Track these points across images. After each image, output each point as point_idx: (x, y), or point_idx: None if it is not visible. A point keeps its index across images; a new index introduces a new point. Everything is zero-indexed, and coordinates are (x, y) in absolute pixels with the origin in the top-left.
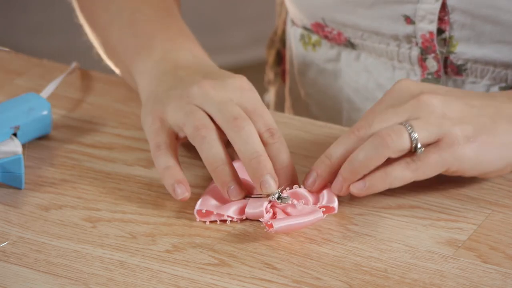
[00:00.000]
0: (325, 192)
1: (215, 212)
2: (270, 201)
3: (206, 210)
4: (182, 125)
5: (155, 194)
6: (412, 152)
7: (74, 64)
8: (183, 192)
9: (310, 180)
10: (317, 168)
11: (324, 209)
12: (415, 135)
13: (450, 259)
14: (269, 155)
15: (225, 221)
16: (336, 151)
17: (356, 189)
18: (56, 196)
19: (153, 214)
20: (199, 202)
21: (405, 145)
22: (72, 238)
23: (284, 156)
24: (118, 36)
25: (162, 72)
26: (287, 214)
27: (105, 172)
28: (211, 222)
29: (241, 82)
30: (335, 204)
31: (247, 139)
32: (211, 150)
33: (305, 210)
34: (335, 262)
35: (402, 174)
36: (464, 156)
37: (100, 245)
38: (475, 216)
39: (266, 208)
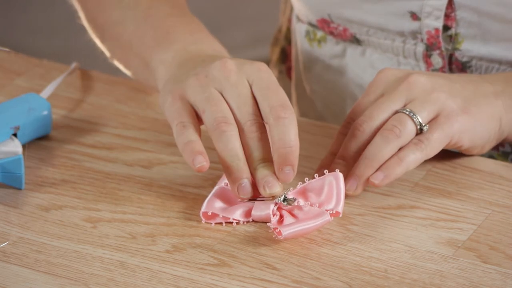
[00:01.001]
0: (334, 195)
1: (220, 215)
2: (276, 204)
3: (212, 213)
4: (201, 111)
5: (155, 194)
6: (418, 133)
7: (74, 64)
8: (201, 161)
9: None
10: (326, 166)
11: (332, 212)
12: (418, 118)
13: (450, 259)
14: (276, 132)
15: (231, 223)
16: (348, 152)
17: (377, 180)
18: (56, 196)
19: (153, 215)
20: (205, 204)
21: (412, 131)
22: (72, 239)
23: (291, 134)
24: (134, 30)
25: (184, 60)
26: (294, 216)
27: (105, 172)
28: (216, 224)
29: (260, 65)
30: (341, 208)
31: (259, 146)
32: (228, 145)
33: (311, 213)
34: (335, 262)
35: (414, 156)
36: (462, 126)
37: (100, 246)
38: (475, 216)
39: (272, 211)
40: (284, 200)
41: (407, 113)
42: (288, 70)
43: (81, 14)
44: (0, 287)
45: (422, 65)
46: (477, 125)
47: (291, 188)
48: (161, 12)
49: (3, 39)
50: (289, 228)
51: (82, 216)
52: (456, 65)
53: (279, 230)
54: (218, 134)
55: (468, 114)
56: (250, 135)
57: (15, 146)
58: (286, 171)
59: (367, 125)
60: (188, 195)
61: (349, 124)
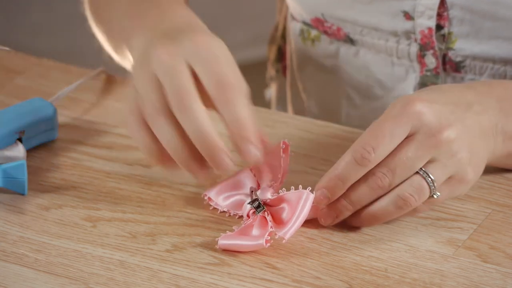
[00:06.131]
0: (294, 217)
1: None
2: (251, 207)
3: (208, 197)
4: (143, 101)
5: (155, 194)
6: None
7: (99, 69)
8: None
9: (322, 200)
10: (329, 189)
11: (310, 189)
12: (434, 182)
13: (450, 258)
14: (221, 113)
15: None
16: (360, 201)
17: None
18: (56, 195)
19: (153, 214)
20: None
21: (426, 196)
22: (72, 238)
23: (236, 109)
24: (119, 28)
25: (147, 43)
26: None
27: (105, 172)
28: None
29: (198, 39)
30: (289, 235)
31: (191, 119)
32: (164, 133)
33: (293, 196)
34: (335, 262)
35: (407, 216)
36: (467, 186)
37: (100, 245)
38: (475, 216)
39: (248, 213)
40: (257, 207)
41: (426, 178)
42: (284, 69)
43: (86, 6)
44: (0, 287)
45: (416, 66)
46: (476, 175)
47: (270, 192)
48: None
49: (3, 39)
50: (289, 229)
51: (82, 215)
52: (450, 65)
53: (280, 236)
54: (153, 125)
55: (474, 171)
56: (177, 110)
57: (19, 151)
58: (244, 148)
59: (388, 182)
60: (188, 194)
61: (367, 153)
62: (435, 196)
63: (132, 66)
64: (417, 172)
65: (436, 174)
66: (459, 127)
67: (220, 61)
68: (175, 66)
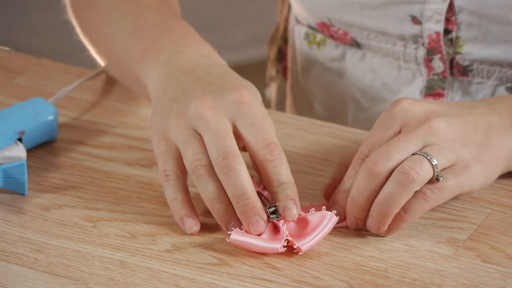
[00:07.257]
0: (314, 233)
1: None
2: (267, 211)
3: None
4: (182, 153)
5: (155, 194)
6: (433, 181)
7: (99, 69)
8: (191, 226)
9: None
10: (341, 205)
11: (335, 212)
12: (435, 161)
13: (450, 258)
14: (268, 172)
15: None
16: (361, 194)
17: (383, 233)
18: (56, 195)
19: (153, 214)
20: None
21: (429, 174)
22: (72, 238)
23: (283, 172)
24: (123, 44)
25: (168, 76)
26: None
27: (105, 172)
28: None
29: (240, 96)
30: (305, 248)
31: (234, 182)
32: (207, 188)
33: (315, 217)
34: (335, 262)
35: (421, 208)
36: (476, 177)
37: (100, 245)
38: (475, 216)
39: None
40: (273, 212)
41: (425, 155)
42: (284, 70)
43: (78, 30)
44: (0, 287)
45: (423, 70)
46: (491, 172)
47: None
48: (148, 23)
49: (3, 39)
50: (307, 242)
51: (82, 216)
52: (457, 69)
53: (297, 247)
54: (196, 179)
55: (481, 164)
56: (221, 171)
57: (19, 151)
58: (288, 205)
59: (383, 166)
60: None
61: (360, 159)
62: (440, 179)
63: (158, 107)
64: (415, 154)
65: (436, 155)
66: (451, 119)
67: (264, 122)
68: (220, 127)
